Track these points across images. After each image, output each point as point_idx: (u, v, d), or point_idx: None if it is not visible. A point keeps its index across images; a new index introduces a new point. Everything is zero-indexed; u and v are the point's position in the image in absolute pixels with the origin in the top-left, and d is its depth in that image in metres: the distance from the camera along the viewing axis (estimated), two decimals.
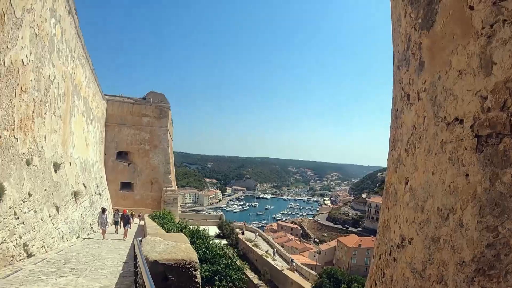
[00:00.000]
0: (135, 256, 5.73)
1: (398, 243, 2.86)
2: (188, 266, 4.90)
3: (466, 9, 1.89)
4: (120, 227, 19.35)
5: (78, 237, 15.91)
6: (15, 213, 8.45)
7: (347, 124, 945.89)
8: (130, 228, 18.98)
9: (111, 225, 19.90)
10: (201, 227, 27.79)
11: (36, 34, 10.54)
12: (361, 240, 71.42)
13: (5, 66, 8.21)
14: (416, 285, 2.40)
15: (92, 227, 19.57)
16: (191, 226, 26.89)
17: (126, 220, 18.48)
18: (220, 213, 68.39)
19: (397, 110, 3.22)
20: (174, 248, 5.40)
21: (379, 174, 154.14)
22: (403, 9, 2.93)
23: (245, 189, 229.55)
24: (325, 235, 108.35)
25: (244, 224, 59.35)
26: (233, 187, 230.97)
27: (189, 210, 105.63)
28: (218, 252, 24.05)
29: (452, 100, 2.04)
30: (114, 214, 21.37)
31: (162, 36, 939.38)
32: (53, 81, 13.51)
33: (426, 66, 2.50)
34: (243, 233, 47.70)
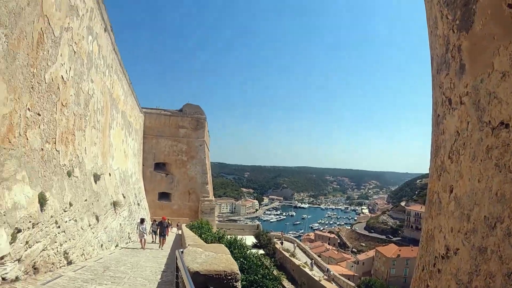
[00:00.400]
0: (177, 266, 5.77)
1: (443, 253, 2.69)
2: (229, 277, 4.89)
3: (505, 8, 1.78)
4: (157, 235, 19.51)
5: (117, 245, 16.39)
6: (56, 222, 8.81)
7: (384, 130, 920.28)
8: (167, 236, 19.08)
9: (149, 234, 20.14)
10: (239, 237, 27.90)
11: (75, 51, 11.10)
12: (400, 250, 68.84)
13: (46, 82, 8.65)
14: None
15: (130, 237, 19.96)
16: (228, 236, 27.05)
17: (164, 229, 18.50)
18: (257, 222, 68.56)
19: (439, 115, 3.06)
20: (215, 259, 5.39)
21: (418, 181, 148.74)
22: (439, 11, 2.81)
23: (282, 198, 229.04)
24: (363, 244, 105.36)
25: (282, 234, 58.98)
26: (270, 196, 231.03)
27: (226, 220, 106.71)
28: (255, 262, 23.91)
29: (497, 103, 1.92)
30: (152, 224, 21.43)
31: (198, 49, 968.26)
32: (92, 96, 14.14)
33: (467, 69, 2.38)
34: (282, 243, 47.28)
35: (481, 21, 2.07)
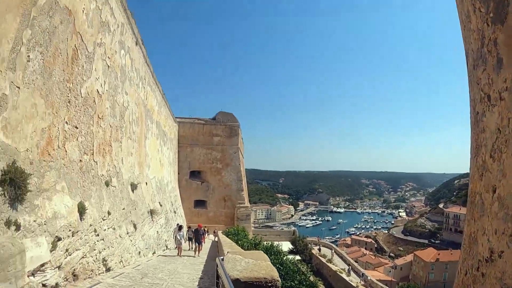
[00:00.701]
0: (217, 274, 5.79)
1: (487, 257, 2.53)
2: (270, 284, 4.86)
3: None
4: (193, 242, 19.28)
5: (154, 252, 16.76)
6: (95, 230, 9.14)
7: (420, 131, 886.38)
8: (203, 243, 18.93)
9: (185, 241, 20.19)
10: (275, 243, 27.80)
11: (108, 66, 11.56)
12: (439, 254, 65.83)
13: (82, 96, 9.05)
14: None
15: (166, 244, 20.08)
16: (265, 242, 26.99)
17: (199, 236, 18.20)
18: (293, 228, 68.00)
19: (478, 113, 2.91)
20: (255, 266, 5.38)
21: (456, 181, 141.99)
22: (471, 4, 2.69)
23: (317, 203, 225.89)
24: (401, 249, 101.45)
25: (318, 239, 58.14)
26: (305, 201, 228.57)
27: (262, 226, 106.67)
28: (291, 268, 23.68)
29: None
30: (187, 230, 21.46)
31: (230, 57, 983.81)
32: (127, 108, 14.65)
33: (505, 63, 2.26)
34: (319, 250, 46.54)
35: None
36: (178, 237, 17.01)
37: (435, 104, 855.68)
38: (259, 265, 5.39)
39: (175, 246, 18.16)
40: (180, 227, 17.99)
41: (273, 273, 5.04)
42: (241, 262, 5.56)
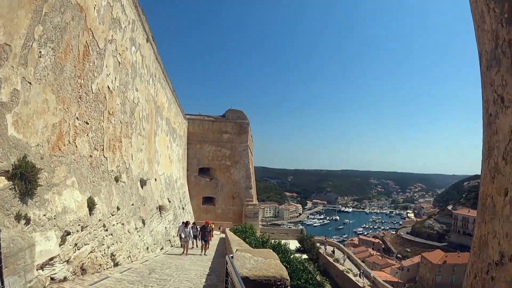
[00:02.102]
0: (226, 271, 5.80)
1: (497, 260, 2.48)
2: (279, 283, 4.85)
3: None
4: (199, 240, 18.28)
5: (162, 248, 16.85)
6: (104, 225, 9.22)
7: (430, 131, 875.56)
8: (210, 241, 18.15)
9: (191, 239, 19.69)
10: (282, 241, 27.76)
11: (119, 62, 11.63)
12: (446, 256, 64.98)
13: (93, 92, 9.13)
14: None
15: (171, 242, 19.41)
16: (272, 240, 26.98)
17: (206, 234, 17.32)
18: (301, 227, 67.85)
19: (491, 114, 2.84)
20: (264, 264, 5.38)
21: (465, 183, 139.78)
22: (486, 4, 2.63)
23: (325, 202, 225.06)
24: (408, 250, 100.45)
25: (325, 239, 57.84)
26: (313, 200, 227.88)
27: (270, 224, 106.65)
28: (298, 266, 23.65)
29: None
30: (192, 227, 19.78)
31: (241, 55, 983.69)
32: (138, 104, 14.74)
33: None
34: (333, 252, 46.14)
35: None
36: (183, 235, 16.32)
37: (446, 105, 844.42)
38: (268, 264, 5.38)
39: (180, 244, 17.53)
40: (186, 224, 17.18)
41: (282, 272, 5.03)
42: (250, 260, 5.55)
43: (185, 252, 15.94)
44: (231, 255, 6.56)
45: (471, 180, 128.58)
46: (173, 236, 19.96)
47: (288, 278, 4.90)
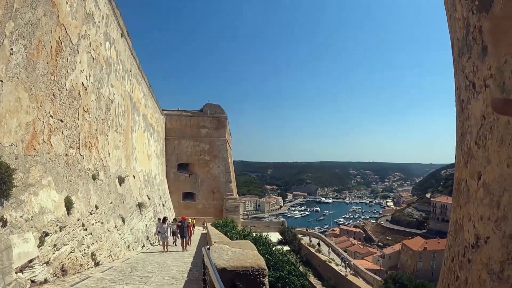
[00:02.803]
0: (204, 264, 5.80)
1: (473, 243, 2.60)
2: (256, 273, 4.89)
3: None
4: (178, 237, 17.31)
5: (143, 246, 16.68)
6: (83, 225, 9.06)
7: (406, 121, 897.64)
8: (190, 237, 17.34)
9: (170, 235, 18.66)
10: (264, 234, 27.93)
11: (93, 58, 11.36)
12: (426, 243, 67.22)
13: (67, 89, 8.90)
14: None
15: (149, 239, 18.49)
16: (254, 233, 27.11)
17: (183, 230, 16.54)
18: (282, 219, 68.43)
19: (463, 100, 2.96)
20: (242, 255, 5.41)
21: (442, 171, 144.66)
22: None
23: (306, 194, 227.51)
24: (389, 238, 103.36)
25: (307, 230, 58.57)
26: (293, 192, 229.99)
27: (251, 218, 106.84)
28: (281, 258, 23.91)
29: None
30: (172, 223, 18.67)
31: (216, 47, 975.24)
32: (113, 100, 14.45)
33: (489, 50, 2.29)
34: (319, 245, 46.59)
35: (500, 0, 1.98)
36: (161, 231, 15.75)
37: (420, 95, 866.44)
38: (246, 254, 5.42)
39: (158, 242, 16.94)
40: (163, 220, 16.53)
41: (259, 262, 5.08)
42: (228, 252, 5.59)
43: (165, 250, 15.39)
44: (207, 246, 6.60)
45: (448, 168, 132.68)
46: (154, 234, 19.49)
47: (265, 268, 4.96)
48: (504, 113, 0.82)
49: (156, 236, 16.78)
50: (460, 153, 3.04)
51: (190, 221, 18.78)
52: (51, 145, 7.88)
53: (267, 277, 5.04)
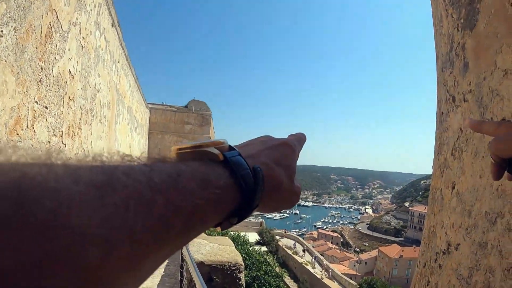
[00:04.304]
0: (182, 256, 5.81)
1: (444, 249, 2.69)
2: (233, 268, 4.94)
3: (509, 7, 1.78)
4: None
5: None
6: None
7: (389, 130, 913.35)
8: None
9: None
10: (242, 233, 27.90)
11: (82, 46, 11.19)
12: (403, 251, 68.46)
13: (53, 76, 8.76)
14: None
15: None
16: (231, 232, 27.03)
17: None
18: (261, 220, 68.56)
19: (443, 113, 3.07)
20: (220, 250, 5.45)
21: (422, 182, 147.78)
22: (444, 9, 2.82)
23: None
24: (366, 244, 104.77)
25: (285, 232, 58.88)
26: None
27: None
28: (258, 258, 23.97)
29: (499, 100, 1.93)
30: None
31: (205, 46, 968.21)
32: (99, 90, 14.24)
33: (470, 67, 2.39)
34: (304, 252, 46.68)
35: (484, 19, 2.07)
36: None
37: (405, 106, 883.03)
38: (223, 250, 5.48)
39: None
40: None
41: (237, 257, 5.14)
42: (206, 247, 5.64)
43: None
44: None
45: (427, 179, 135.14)
46: None
47: (242, 263, 5.03)
48: (478, 131, 0.91)
49: None
50: (437, 163, 3.11)
51: None
52: (35, 132, 7.75)
53: (243, 272, 5.10)
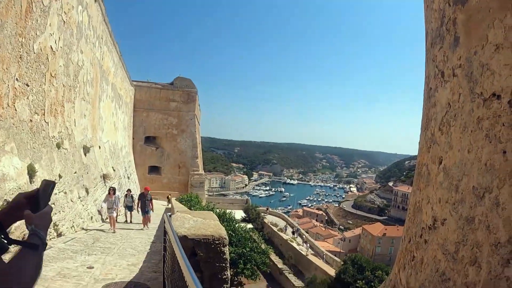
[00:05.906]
0: (165, 230, 5.79)
1: (430, 224, 2.75)
2: (217, 242, 4.91)
3: None
4: (138, 211, 14.98)
5: (106, 218, 16.39)
6: None
7: (375, 110, 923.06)
8: (151, 211, 14.92)
9: (123, 210, 16.28)
10: (228, 211, 28.15)
11: (64, 21, 10.75)
12: (386, 229, 70.31)
13: (34, 53, 8.42)
14: (448, 267, 2.28)
15: (101, 215, 14.95)
16: (217, 209, 27.24)
17: (146, 203, 14.31)
18: (246, 197, 69.15)
19: (431, 88, 3.08)
20: (203, 224, 5.42)
21: (406, 162, 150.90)
22: None
23: (271, 174, 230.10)
24: (350, 222, 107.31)
25: (268, 209, 59.53)
26: (259, 172, 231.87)
27: (216, 194, 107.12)
28: (243, 235, 24.33)
29: (489, 75, 1.93)
30: (126, 196, 15.92)
31: (190, 22, 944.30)
32: (82, 67, 13.82)
33: (461, 41, 2.36)
34: (293, 233, 47.25)
35: None
36: (107, 206, 13.13)
37: (390, 85, 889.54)
38: (207, 224, 5.46)
39: (105, 217, 14.27)
40: (114, 190, 13.60)
41: (221, 231, 5.13)
42: (190, 221, 5.60)
43: (112, 228, 12.43)
44: (169, 213, 6.61)
45: (412, 160, 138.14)
46: (98, 211, 14.88)
47: (226, 237, 5.04)
48: None
49: (102, 211, 14.38)
50: (424, 139, 3.16)
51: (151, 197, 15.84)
52: (16, 110, 7.51)
53: (227, 246, 5.11)
